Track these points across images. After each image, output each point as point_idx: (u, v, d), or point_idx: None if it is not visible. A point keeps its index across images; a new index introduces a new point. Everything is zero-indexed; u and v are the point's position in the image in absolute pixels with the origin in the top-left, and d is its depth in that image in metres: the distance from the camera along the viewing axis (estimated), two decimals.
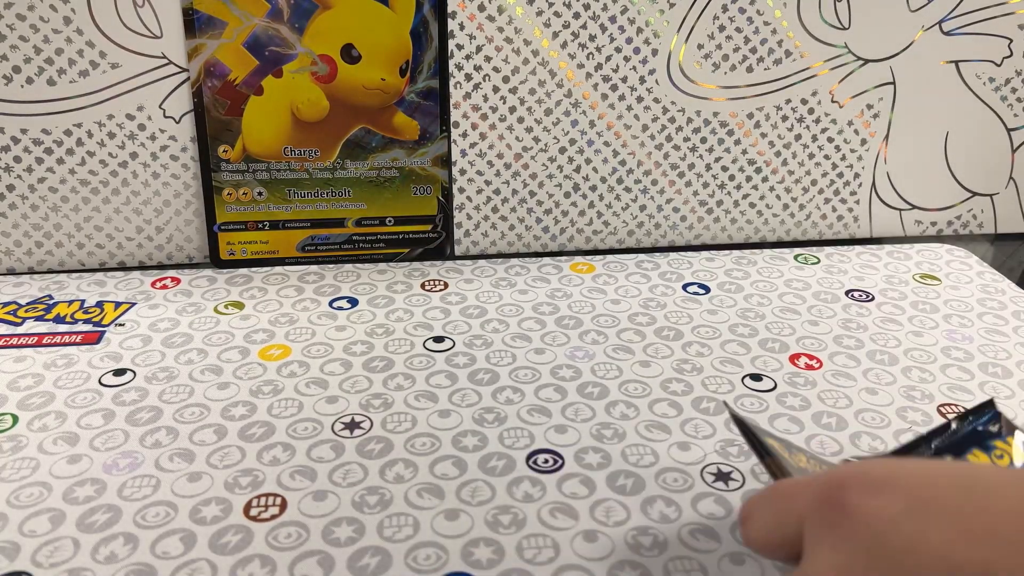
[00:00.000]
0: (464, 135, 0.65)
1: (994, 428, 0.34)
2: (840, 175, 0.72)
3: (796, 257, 0.70)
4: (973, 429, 0.34)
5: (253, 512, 0.41)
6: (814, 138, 0.70)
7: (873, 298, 0.64)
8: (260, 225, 0.65)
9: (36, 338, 0.56)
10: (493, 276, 0.66)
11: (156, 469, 0.44)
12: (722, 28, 0.65)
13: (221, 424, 0.47)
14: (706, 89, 0.67)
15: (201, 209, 0.65)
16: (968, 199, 0.75)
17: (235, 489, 0.42)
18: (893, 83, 0.70)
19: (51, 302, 0.60)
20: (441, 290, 0.63)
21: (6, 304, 0.60)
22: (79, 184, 0.63)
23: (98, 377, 0.52)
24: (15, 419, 0.48)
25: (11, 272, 0.64)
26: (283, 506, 0.41)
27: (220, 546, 0.39)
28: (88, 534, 0.39)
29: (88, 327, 0.57)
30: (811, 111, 0.69)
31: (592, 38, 0.64)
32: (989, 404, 0.36)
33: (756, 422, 0.34)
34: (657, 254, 0.70)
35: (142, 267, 0.66)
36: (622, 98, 0.66)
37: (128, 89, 0.61)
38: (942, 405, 0.51)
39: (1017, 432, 0.34)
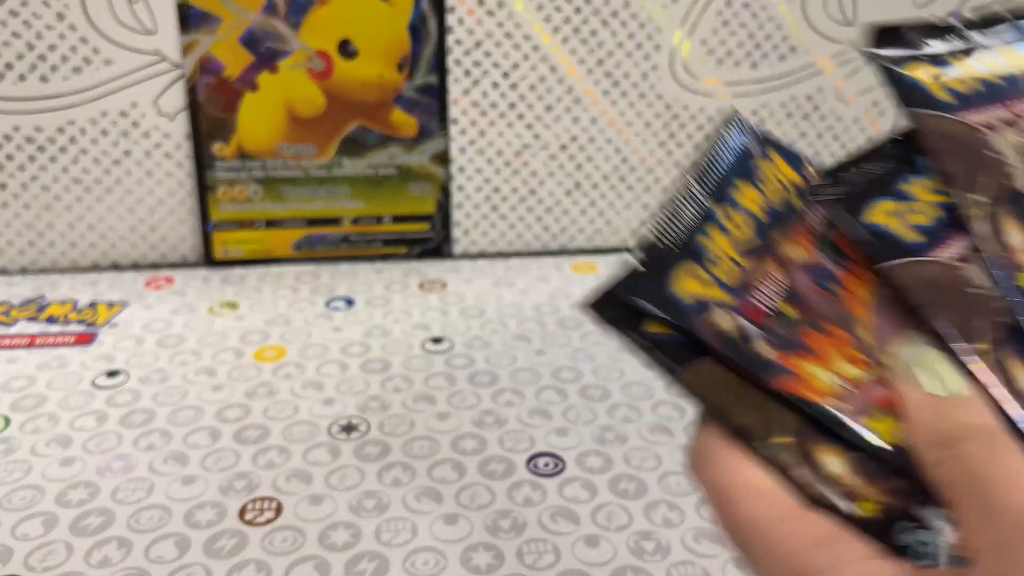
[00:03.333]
0: (463, 132, 0.65)
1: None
2: None
3: None
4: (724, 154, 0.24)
5: (248, 516, 0.40)
6: (819, 135, 0.69)
7: None
8: (255, 224, 0.65)
9: (28, 339, 0.55)
10: (493, 276, 0.65)
11: (150, 472, 0.43)
12: (726, 23, 0.64)
13: (215, 427, 0.47)
14: (709, 85, 0.66)
15: (195, 208, 0.64)
16: None
17: (230, 493, 0.42)
18: None
19: (44, 302, 0.60)
20: (440, 290, 0.63)
21: None
22: (72, 182, 0.62)
23: (91, 378, 0.51)
24: (7, 421, 0.47)
25: (3, 272, 0.64)
26: (278, 510, 0.41)
27: (215, 551, 0.38)
28: (81, 538, 0.39)
29: (81, 327, 0.56)
30: (816, 108, 0.68)
31: (593, 33, 0.63)
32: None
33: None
34: None
35: (135, 267, 0.66)
36: (624, 94, 0.65)
37: (122, 86, 0.60)
38: None
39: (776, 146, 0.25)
